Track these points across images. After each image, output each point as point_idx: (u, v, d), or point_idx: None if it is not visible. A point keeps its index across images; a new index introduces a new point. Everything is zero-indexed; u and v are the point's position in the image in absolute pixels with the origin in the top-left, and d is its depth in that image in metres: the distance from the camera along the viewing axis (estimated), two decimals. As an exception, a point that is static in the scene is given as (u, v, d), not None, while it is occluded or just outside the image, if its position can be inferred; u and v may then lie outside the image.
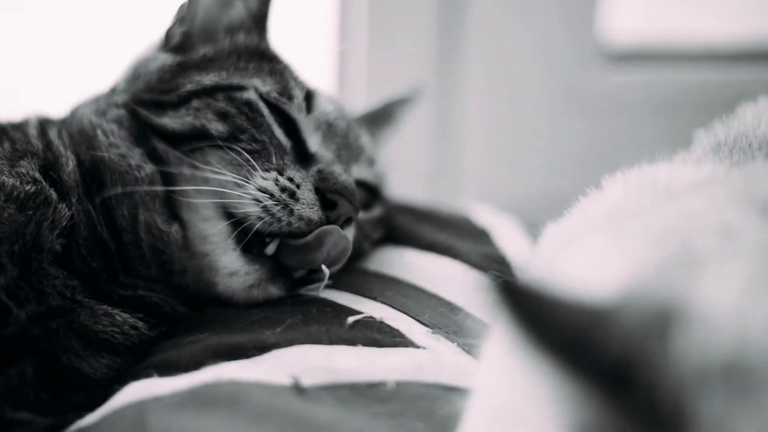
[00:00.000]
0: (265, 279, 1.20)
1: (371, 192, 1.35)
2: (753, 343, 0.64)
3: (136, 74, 1.31)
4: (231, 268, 1.19)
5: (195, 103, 1.23)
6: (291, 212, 1.17)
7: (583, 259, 0.83)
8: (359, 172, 1.32)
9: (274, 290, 1.21)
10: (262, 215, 1.17)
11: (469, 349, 1.10)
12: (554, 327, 0.65)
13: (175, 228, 1.20)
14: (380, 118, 1.48)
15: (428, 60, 2.42)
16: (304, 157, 1.24)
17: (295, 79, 1.31)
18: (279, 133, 1.23)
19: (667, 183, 1.00)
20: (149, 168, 1.21)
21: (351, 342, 1.09)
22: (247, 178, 1.18)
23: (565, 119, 2.45)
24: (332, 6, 2.39)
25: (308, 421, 0.93)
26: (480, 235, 1.50)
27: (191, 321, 1.19)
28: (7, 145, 1.20)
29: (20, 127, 1.26)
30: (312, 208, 1.18)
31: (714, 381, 0.63)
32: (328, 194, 1.20)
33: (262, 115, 1.23)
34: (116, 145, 1.22)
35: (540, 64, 2.48)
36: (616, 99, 2.45)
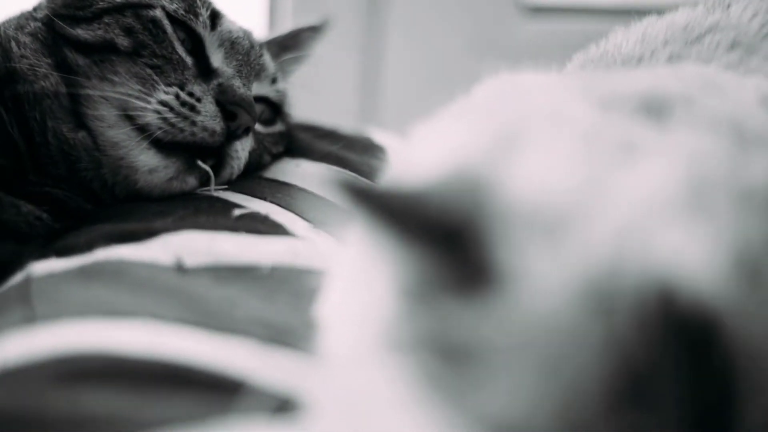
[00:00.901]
0: (183, 170, 1.27)
1: (273, 108, 1.41)
2: (555, 200, 0.70)
3: None
4: (150, 165, 1.26)
5: (106, 18, 1.29)
6: (193, 123, 1.23)
7: (427, 146, 0.89)
8: (260, 88, 1.38)
9: (192, 180, 1.29)
10: (163, 126, 1.22)
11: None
12: (387, 210, 0.71)
13: (81, 135, 1.26)
14: (288, 44, 1.54)
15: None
16: (206, 71, 1.30)
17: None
18: (180, 49, 1.29)
19: (525, 87, 1.05)
20: (55, 78, 1.26)
21: (235, 230, 1.15)
22: (150, 91, 1.23)
23: (483, 64, 2.52)
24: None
25: (184, 291, 1.00)
26: (377, 150, 1.56)
27: (95, 215, 1.25)
28: None
29: None
30: (214, 120, 1.24)
31: (522, 231, 0.69)
32: (228, 106, 1.25)
33: (165, 32, 1.29)
34: (27, 56, 1.28)
35: (460, 12, 2.54)
36: (532, 47, 2.52)
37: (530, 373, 0.67)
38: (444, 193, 0.72)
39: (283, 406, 0.81)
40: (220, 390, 0.84)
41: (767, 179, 0.74)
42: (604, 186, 0.72)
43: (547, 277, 0.67)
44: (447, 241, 0.69)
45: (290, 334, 0.93)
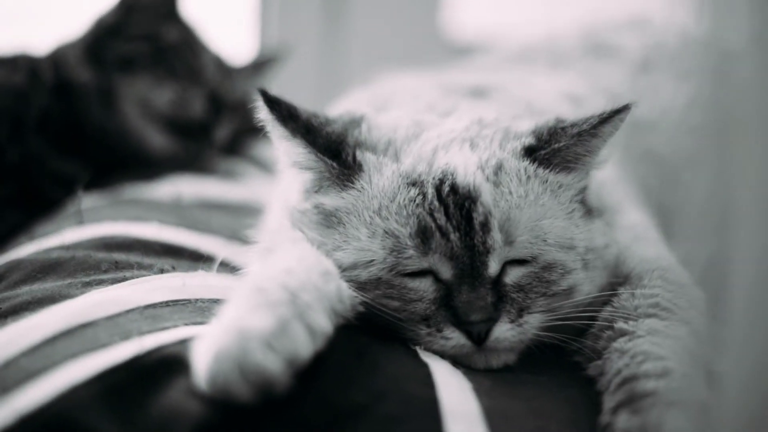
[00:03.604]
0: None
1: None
2: (397, 134, 1.16)
3: None
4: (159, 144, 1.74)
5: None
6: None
7: (340, 106, 1.33)
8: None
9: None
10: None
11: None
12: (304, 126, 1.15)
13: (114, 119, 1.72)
14: (255, 69, 1.99)
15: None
16: None
17: None
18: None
19: (401, 79, 1.51)
20: (96, 81, 1.72)
21: (216, 179, 1.62)
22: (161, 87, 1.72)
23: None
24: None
25: (180, 210, 1.46)
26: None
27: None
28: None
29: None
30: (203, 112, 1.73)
31: (376, 147, 1.16)
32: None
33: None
34: (78, 66, 1.73)
35: (397, 50, 2.88)
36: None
37: (364, 225, 1.11)
38: (337, 120, 1.17)
39: (236, 270, 1.21)
40: (199, 259, 1.28)
41: (526, 130, 1.17)
42: (426, 129, 1.17)
43: (387, 170, 1.12)
44: (332, 150, 1.14)
45: (245, 237, 1.33)
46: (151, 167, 1.68)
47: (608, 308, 1.13)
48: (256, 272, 1.02)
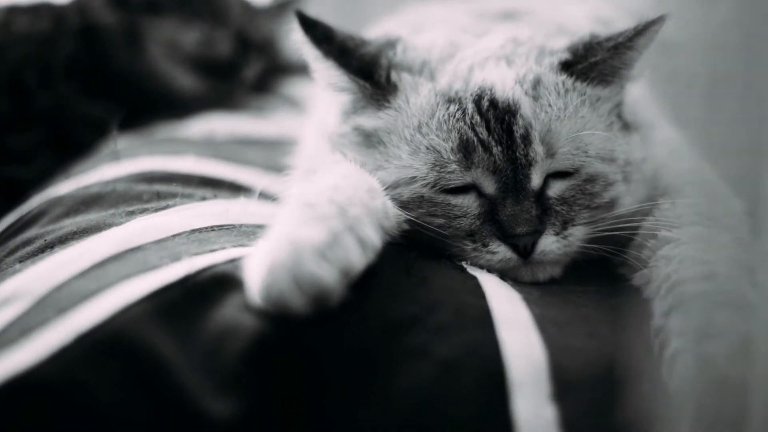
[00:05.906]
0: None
1: None
2: (432, 54, 1.14)
3: None
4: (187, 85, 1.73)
5: None
6: None
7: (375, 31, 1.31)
8: None
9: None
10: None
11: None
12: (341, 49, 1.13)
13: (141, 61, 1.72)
14: (279, 9, 1.96)
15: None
16: None
17: None
18: None
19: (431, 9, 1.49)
20: (121, 23, 1.72)
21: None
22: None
23: None
24: None
25: (215, 145, 1.45)
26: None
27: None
28: None
29: None
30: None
31: (411, 66, 1.14)
32: None
33: None
34: (103, 10, 1.73)
35: None
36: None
37: (404, 143, 1.09)
38: (373, 42, 1.15)
39: (275, 199, 1.21)
40: (238, 189, 1.28)
41: (562, 47, 1.16)
42: (462, 49, 1.16)
43: (423, 89, 1.11)
44: (365, 71, 1.12)
45: (280, 166, 1.34)
46: (181, 107, 1.67)
47: (650, 219, 1.11)
48: (301, 190, 1.00)
